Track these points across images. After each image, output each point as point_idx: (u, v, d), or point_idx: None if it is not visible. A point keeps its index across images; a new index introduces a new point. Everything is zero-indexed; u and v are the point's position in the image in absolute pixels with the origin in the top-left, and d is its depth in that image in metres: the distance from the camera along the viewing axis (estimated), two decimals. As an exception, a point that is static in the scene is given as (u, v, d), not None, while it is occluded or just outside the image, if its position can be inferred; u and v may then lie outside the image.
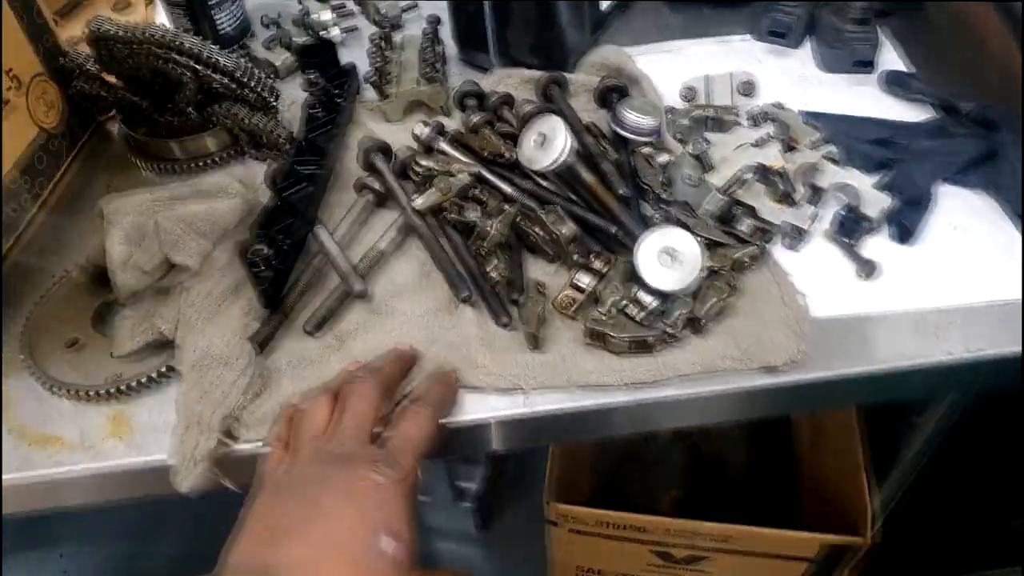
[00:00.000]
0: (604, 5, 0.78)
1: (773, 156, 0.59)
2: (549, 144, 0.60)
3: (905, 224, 0.58)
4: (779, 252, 0.58)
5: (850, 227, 0.59)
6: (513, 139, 0.64)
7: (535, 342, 0.52)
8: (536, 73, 0.72)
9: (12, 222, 0.63)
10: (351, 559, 0.38)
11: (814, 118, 0.66)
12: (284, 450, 0.46)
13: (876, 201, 0.58)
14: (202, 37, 0.77)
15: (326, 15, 0.82)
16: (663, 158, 0.63)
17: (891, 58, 0.75)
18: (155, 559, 1.27)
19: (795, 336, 0.51)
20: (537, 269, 0.58)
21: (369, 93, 0.75)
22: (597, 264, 0.56)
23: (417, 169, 0.62)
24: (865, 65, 0.72)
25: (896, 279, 0.56)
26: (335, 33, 0.82)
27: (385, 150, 0.64)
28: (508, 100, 0.69)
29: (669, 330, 0.51)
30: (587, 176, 0.61)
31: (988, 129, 0.64)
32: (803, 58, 0.77)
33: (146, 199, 0.55)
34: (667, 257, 0.53)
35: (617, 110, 0.64)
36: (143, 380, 0.51)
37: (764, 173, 0.60)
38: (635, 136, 0.64)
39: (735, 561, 0.88)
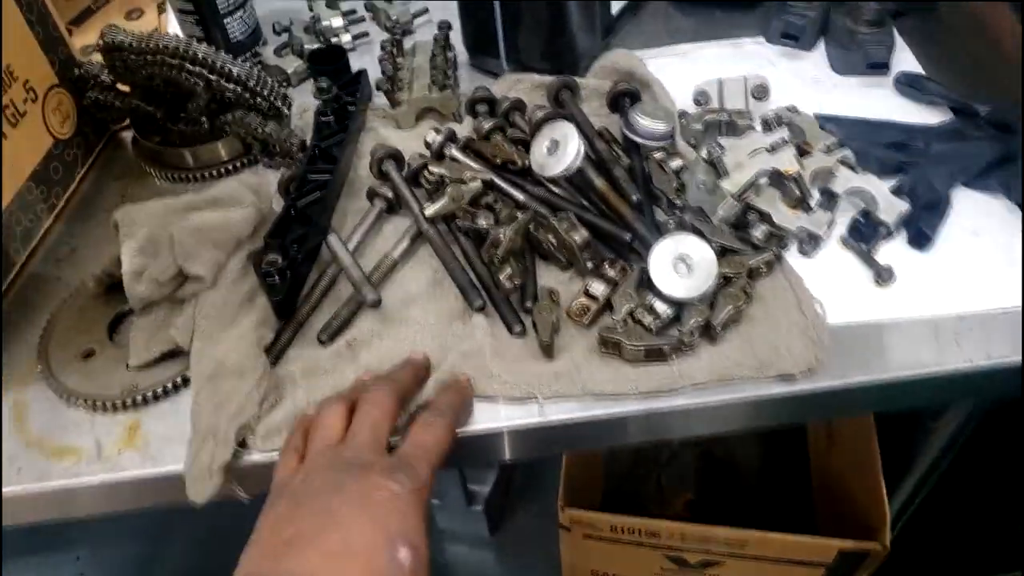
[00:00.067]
0: (615, 9, 0.78)
1: (788, 161, 0.59)
2: (561, 150, 0.60)
3: (923, 229, 0.57)
4: (793, 258, 0.57)
5: (866, 233, 0.58)
6: (525, 145, 0.64)
7: (549, 351, 0.52)
8: (547, 78, 0.72)
9: (28, 233, 0.63)
10: (367, 569, 0.38)
11: (828, 122, 0.66)
12: (298, 460, 0.46)
13: (893, 206, 0.58)
14: (214, 45, 0.77)
15: (337, 21, 0.82)
16: (676, 163, 0.62)
17: (905, 59, 0.74)
18: (171, 561, 1.27)
19: (812, 344, 0.51)
20: (550, 276, 0.58)
21: (380, 99, 0.75)
22: (610, 272, 0.55)
23: (429, 176, 0.62)
24: (880, 67, 0.71)
25: (913, 285, 0.55)
26: (346, 39, 0.82)
27: (397, 157, 0.64)
28: (519, 105, 0.69)
29: (684, 338, 0.51)
30: (599, 182, 0.61)
31: (1005, 132, 0.63)
32: (816, 60, 0.76)
33: (160, 210, 0.55)
34: (681, 264, 0.53)
35: (629, 115, 0.64)
36: (159, 391, 0.52)
37: (779, 178, 0.59)
38: (648, 141, 0.63)
39: (749, 566, 0.87)
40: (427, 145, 0.65)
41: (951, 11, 0.79)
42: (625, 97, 0.69)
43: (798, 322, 0.52)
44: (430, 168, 0.62)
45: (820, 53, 0.77)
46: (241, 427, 0.48)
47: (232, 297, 0.53)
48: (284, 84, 0.79)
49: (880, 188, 0.59)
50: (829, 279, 0.56)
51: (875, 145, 0.63)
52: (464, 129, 0.70)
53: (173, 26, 0.83)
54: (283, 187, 0.64)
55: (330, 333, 0.54)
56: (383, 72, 0.73)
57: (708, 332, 0.52)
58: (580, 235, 0.55)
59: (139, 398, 0.51)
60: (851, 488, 0.90)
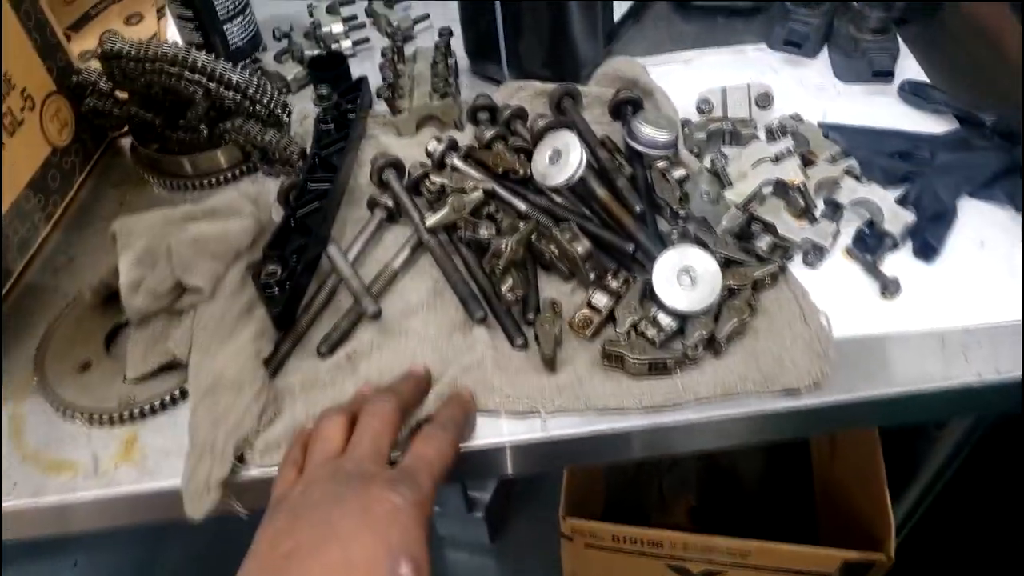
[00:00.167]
0: (617, 16, 0.77)
1: (792, 171, 0.58)
2: (563, 160, 0.59)
3: (929, 241, 0.57)
4: (798, 269, 0.57)
5: (871, 244, 0.58)
6: (527, 154, 0.64)
7: (552, 364, 0.51)
8: (549, 86, 0.71)
9: (25, 242, 0.63)
10: None
11: (832, 130, 0.65)
12: (297, 473, 0.45)
13: (898, 217, 0.57)
14: (213, 51, 0.77)
15: (337, 27, 0.82)
16: (679, 173, 0.62)
17: (909, 67, 0.74)
18: (169, 568, 1.27)
19: (818, 358, 0.50)
20: (552, 287, 0.58)
21: (381, 106, 0.74)
22: (613, 283, 0.55)
23: (430, 186, 0.61)
24: (885, 75, 0.70)
25: (919, 297, 0.55)
26: (346, 45, 0.82)
27: (398, 166, 0.64)
28: (521, 113, 0.68)
29: (688, 352, 0.50)
30: (601, 192, 0.60)
31: (1010, 141, 0.62)
32: (820, 68, 0.75)
33: (158, 220, 0.55)
34: (685, 276, 0.52)
35: (632, 124, 0.63)
36: (156, 404, 0.51)
37: (783, 188, 0.59)
38: (651, 151, 0.63)
39: (752, 576, 0.87)
40: (428, 154, 0.64)
41: (954, 17, 0.79)
42: (627, 105, 0.68)
43: (803, 335, 0.52)
44: (431, 177, 0.61)
45: (824, 60, 0.76)
46: (239, 442, 0.48)
47: (230, 309, 0.53)
48: (284, 91, 0.78)
49: (886, 199, 0.58)
50: (834, 291, 0.55)
51: (880, 154, 0.63)
52: (465, 137, 0.70)
53: (172, 31, 0.83)
54: (283, 196, 0.64)
55: (330, 345, 0.54)
56: (384, 79, 0.73)
57: (712, 345, 0.51)
58: (582, 246, 0.55)
59: (136, 411, 0.51)
60: (854, 497, 0.89)
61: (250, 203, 0.57)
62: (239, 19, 0.78)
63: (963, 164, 0.61)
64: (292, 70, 0.78)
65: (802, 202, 0.58)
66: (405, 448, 0.46)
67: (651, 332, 0.52)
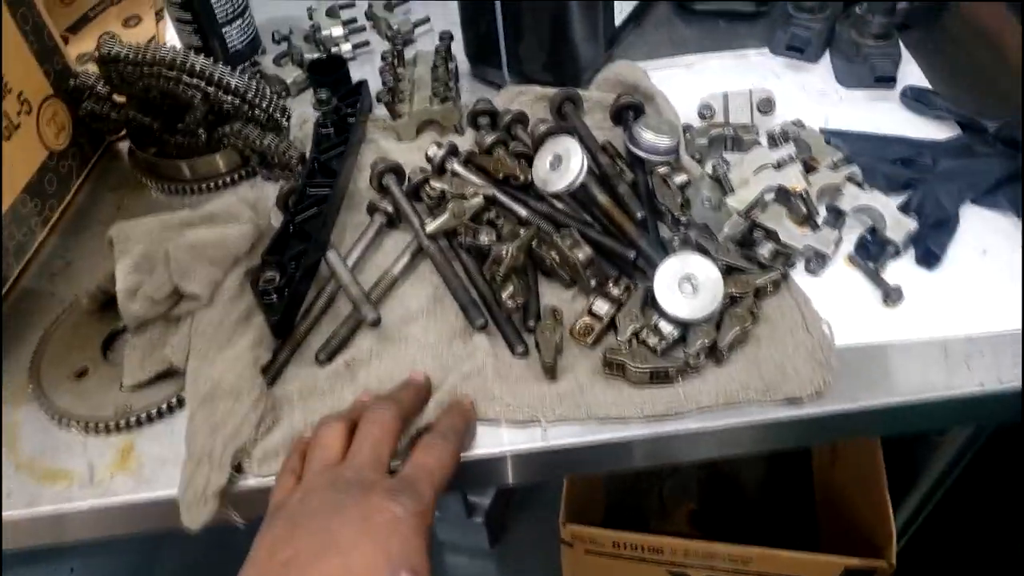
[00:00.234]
0: (618, 19, 0.77)
1: (794, 178, 0.58)
2: (564, 166, 0.59)
3: (931, 248, 0.56)
4: (800, 276, 0.57)
5: (873, 251, 0.57)
6: (527, 159, 0.63)
7: (552, 372, 0.51)
8: (550, 90, 0.71)
9: (21, 247, 0.62)
10: None
11: (834, 136, 0.65)
12: (296, 481, 0.45)
13: (901, 224, 0.57)
14: (212, 54, 0.77)
15: (337, 31, 0.81)
16: (680, 178, 0.61)
17: (911, 72, 0.73)
18: (165, 573, 1.26)
19: (820, 366, 0.50)
20: (552, 294, 0.57)
21: (381, 110, 0.74)
22: (615, 291, 0.54)
23: (430, 192, 0.61)
24: (887, 81, 0.70)
25: (921, 305, 0.54)
26: (346, 49, 0.81)
27: (397, 171, 0.63)
28: (521, 118, 0.68)
29: (689, 361, 0.50)
30: (602, 198, 0.60)
31: (1013, 148, 0.62)
32: (822, 73, 0.75)
33: (156, 226, 0.54)
34: (687, 284, 0.52)
35: (633, 130, 0.63)
36: (153, 412, 0.51)
37: (785, 195, 0.58)
38: (652, 156, 0.62)
39: (753, 583, 0.87)
40: (428, 159, 0.64)
41: (956, 22, 0.79)
42: (629, 110, 0.68)
43: (805, 343, 0.51)
44: (431, 183, 0.61)
45: (826, 65, 0.76)
46: (237, 451, 0.47)
47: (229, 316, 0.52)
48: (283, 95, 0.78)
49: (888, 206, 0.58)
50: (836, 298, 0.55)
51: (882, 161, 0.63)
52: (466, 141, 0.70)
53: (171, 33, 0.82)
54: (282, 201, 0.63)
55: (328, 352, 0.53)
56: (384, 83, 0.72)
57: (714, 353, 0.51)
58: (584, 252, 0.54)
59: (133, 419, 0.50)
60: (855, 503, 0.89)
61: (248, 208, 0.57)
62: (238, 22, 0.78)
63: (965, 171, 0.61)
64: (291, 73, 0.78)
65: (804, 209, 0.58)
66: (405, 457, 0.45)
67: (653, 340, 0.51)
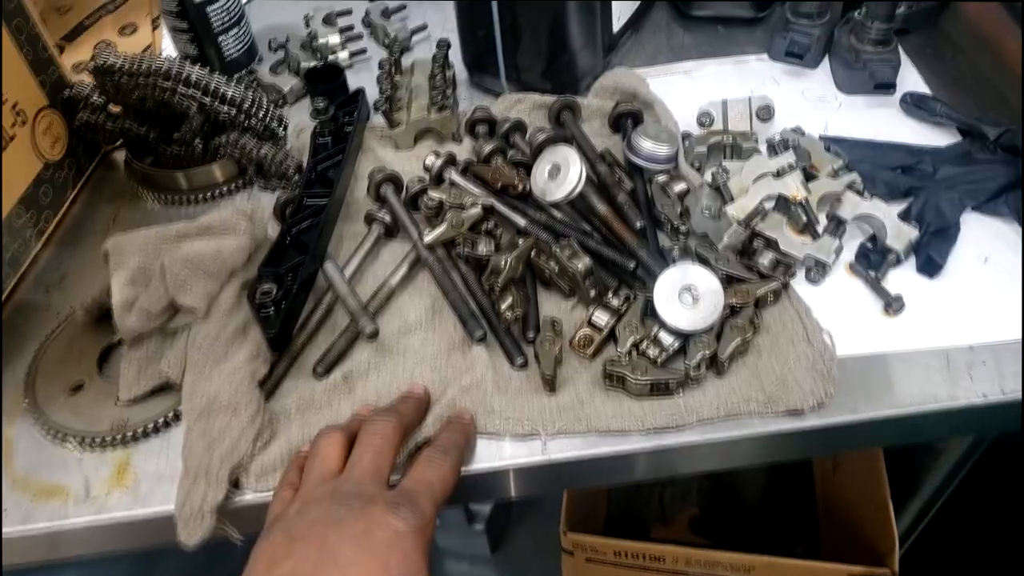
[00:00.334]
0: (617, 26, 0.76)
1: (794, 186, 0.58)
2: (562, 175, 0.59)
3: (932, 256, 0.56)
4: (800, 285, 0.56)
5: (874, 260, 0.57)
6: (525, 167, 0.63)
7: (552, 385, 0.50)
8: (548, 98, 0.71)
9: (16, 259, 0.62)
10: None
11: (835, 143, 0.65)
12: (295, 493, 0.44)
13: (902, 233, 0.56)
14: (208, 63, 0.77)
15: (334, 39, 0.81)
16: (680, 187, 0.61)
17: (910, 77, 0.73)
18: (164, 581, 1.26)
19: (821, 378, 0.49)
20: (551, 305, 0.57)
21: (378, 119, 0.73)
22: (614, 301, 0.54)
23: (428, 202, 0.60)
24: (887, 87, 0.70)
25: (922, 314, 0.54)
26: (343, 57, 0.81)
27: (395, 180, 0.63)
28: (520, 126, 0.68)
29: (690, 372, 0.49)
30: (601, 207, 0.59)
31: (1014, 154, 0.62)
32: (821, 79, 0.75)
33: (152, 238, 0.54)
34: (687, 295, 0.52)
35: (632, 138, 0.62)
36: (149, 427, 0.50)
37: (785, 204, 0.58)
38: (651, 165, 0.62)
39: (754, 591, 0.86)
40: (426, 169, 0.64)
41: (955, 27, 0.78)
42: (627, 118, 0.68)
43: (806, 354, 0.51)
44: (429, 193, 0.60)
45: (825, 71, 0.75)
46: (234, 466, 0.47)
47: (225, 329, 0.52)
48: (280, 103, 0.77)
49: (889, 214, 0.57)
50: (837, 308, 0.54)
51: (882, 168, 0.62)
52: (464, 150, 0.69)
53: (167, 42, 0.82)
54: (278, 211, 0.63)
55: (326, 365, 0.53)
56: (381, 91, 0.72)
57: (715, 365, 0.51)
58: (583, 263, 0.54)
59: (129, 434, 0.50)
60: (857, 510, 0.89)
61: (245, 220, 0.56)
62: (234, 31, 0.77)
63: (966, 178, 0.61)
64: (288, 82, 0.78)
65: (804, 217, 0.57)
66: (404, 471, 0.45)
67: (653, 351, 0.51)
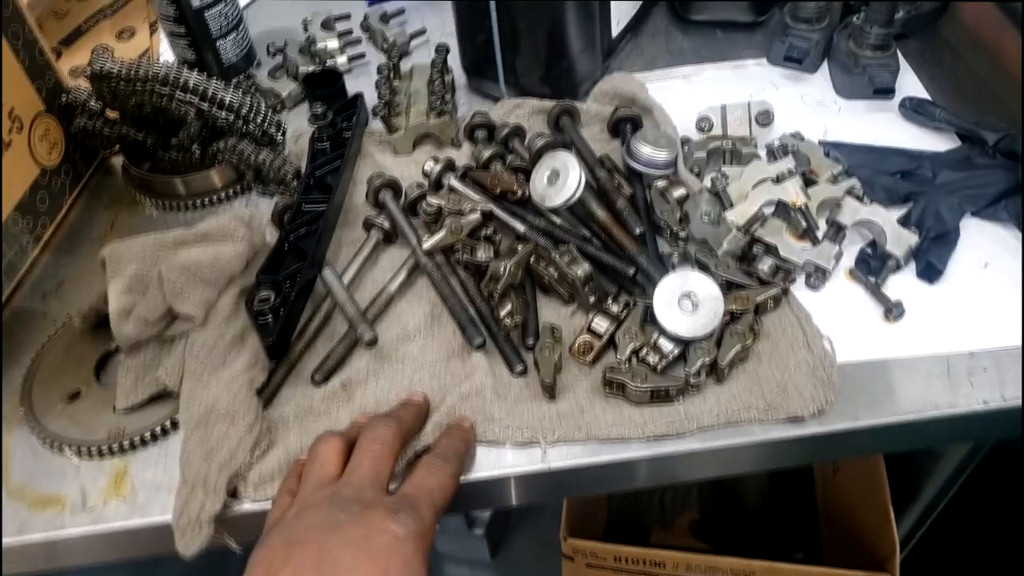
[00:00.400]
0: (616, 30, 0.76)
1: (794, 192, 0.57)
2: (562, 181, 0.59)
3: (932, 262, 0.56)
4: (800, 291, 0.56)
5: (874, 266, 0.57)
6: (525, 173, 0.63)
7: (551, 392, 0.50)
8: (547, 103, 0.70)
9: (13, 266, 0.61)
10: None
11: (834, 148, 0.64)
12: (293, 499, 0.44)
13: (902, 238, 0.56)
14: (206, 67, 0.76)
15: (332, 43, 0.81)
16: (679, 192, 0.61)
17: (910, 82, 0.73)
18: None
19: (822, 384, 0.49)
20: (551, 311, 0.57)
21: (377, 123, 0.73)
22: (614, 307, 0.54)
23: (427, 208, 0.60)
24: (886, 92, 0.69)
25: (923, 320, 0.54)
26: (342, 61, 0.81)
27: (394, 186, 0.63)
28: (519, 132, 0.67)
29: (690, 379, 0.49)
30: (601, 213, 0.59)
31: (1013, 159, 0.62)
32: (820, 83, 0.75)
33: (149, 245, 0.53)
34: (686, 301, 0.52)
35: (631, 144, 0.62)
36: (147, 435, 0.50)
37: (784, 209, 0.58)
38: (650, 170, 0.62)
39: (755, 596, 0.86)
40: (425, 174, 0.63)
41: (954, 32, 0.78)
42: (626, 123, 0.67)
43: (807, 360, 0.51)
44: (428, 199, 0.60)
45: (824, 76, 0.75)
46: (232, 476, 0.47)
47: (223, 337, 0.52)
48: (278, 108, 0.77)
49: (889, 220, 0.57)
50: (837, 314, 0.54)
51: (882, 173, 0.62)
52: (462, 155, 0.69)
53: (165, 46, 0.82)
54: (277, 217, 0.63)
55: (324, 373, 0.53)
56: (379, 97, 0.72)
57: (715, 372, 0.50)
58: (582, 269, 0.54)
59: (126, 443, 0.50)
60: (858, 514, 0.88)
61: (243, 226, 0.56)
62: (232, 35, 0.77)
63: (966, 183, 0.61)
64: (287, 86, 0.77)
65: (804, 223, 0.57)
66: (403, 479, 0.44)
67: (652, 358, 0.51)
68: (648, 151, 0.61)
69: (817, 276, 0.56)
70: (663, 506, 1.14)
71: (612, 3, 0.73)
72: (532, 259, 0.56)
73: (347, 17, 0.86)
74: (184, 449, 0.47)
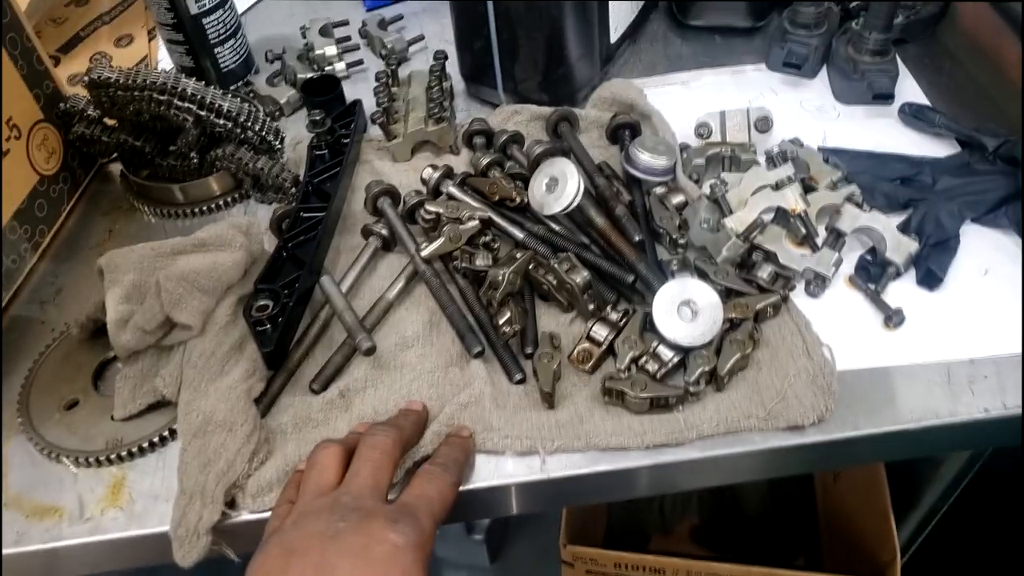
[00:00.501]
0: (614, 37, 0.76)
1: (793, 199, 0.57)
2: (560, 188, 0.58)
3: (932, 269, 0.56)
4: (799, 299, 0.56)
5: (874, 273, 0.57)
6: (523, 180, 0.63)
7: (550, 401, 0.50)
8: (546, 110, 0.70)
9: (10, 273, 0.61)
10: None
11: (833, 154, 0.64)
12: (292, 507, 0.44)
13: (902, 245, 0.56)
14: (204, 74, 0.76)
15: (331, 50, 0.81)
16: (678, 199, 0.61)
17: (909, 87, 0.73)
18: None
19: (822, 393, 0.49)
20: (550, 318, 0.56)
21: (376, 130, 0.73)
22: (613, 315, 0.54)
23: (425, 215, 0.60)
24: (885, 98, 0.69)
25: (923, 328, 0.54)
26: (340, 68, 0.81)
27: (392, 194, 0.63)
28: (517, 138, 0.67)
29: (690, 388, 0.49)
30: (600, 220, 0.59)
31: (1013, 165, 0.61)
32: (819, 89, 0.75)
33: (147, 254, 0.53)
34: (686, 309, 0.51)
35: (629, 150, 0.62)
36: (145, 444, 0.50)
37: (784, 216, 0.58)
38: (649, 177, 0.62)
39: (755, 602, 0.85)
40: (423, 182, 0.63)
41: (953, 37, 0.78)
42: (625, 129, 0.67)
43: (806, 368, 0.51)
44: (427, 206, 0.60)
45: (823, 81, 0.75)
46: (230, 486, 0.46)
47: (221, 345, 0.52)
48: (276, 114, 0.77)
49: (889, 226, 0.57)
50: (836, 321, 0.54)
51: (881, 180, 0.62)
52: (461, 161, 0.69)
53: (164, 53, 0.82)
54: (275, 225, 0.62)
55: (322, 382, 0.53)
56: (378, 103, 0.72)
57: (714, 380, 0.50)
58: (581, 277, 0.54)
59: (124, 452, 0.49)
60: (858, 520, 0.88)
61: (241, 234, 0.56)
62: (231, 42, 0.77)
63: (966, 189, 0.60)
64: (285, 93, 0.77)
65: (803, 230, 0.57)
66: (401, 488, 0.44)
67: (652, 366, 0.51)
68: (647, 158, 0.61)
69: (817, 283, 0.56)
70: (663, 512, 1.14)
71: (610, 9, 0.73)
72: (531, 266, 0.56)
73: (345, 24, 0.86)
74: (182, 459, 0.47)
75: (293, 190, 0.65)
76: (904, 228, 0.59)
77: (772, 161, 0.62)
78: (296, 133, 0.73)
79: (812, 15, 0.73)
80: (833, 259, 0.56)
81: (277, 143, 0.67)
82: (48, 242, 0.66)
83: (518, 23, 0.68)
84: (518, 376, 0.52)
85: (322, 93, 0.74)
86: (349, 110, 0.72)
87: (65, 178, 0.68)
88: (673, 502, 1.15)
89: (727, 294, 0.54)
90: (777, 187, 0.58)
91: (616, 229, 0.59)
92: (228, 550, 0.47)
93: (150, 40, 0.88)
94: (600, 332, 0.53)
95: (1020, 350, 0.51)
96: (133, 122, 0.66)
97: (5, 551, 0.46)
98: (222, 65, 0.78)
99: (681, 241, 0.58)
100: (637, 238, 0.58)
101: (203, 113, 0.63)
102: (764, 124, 0.66)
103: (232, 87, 0.79)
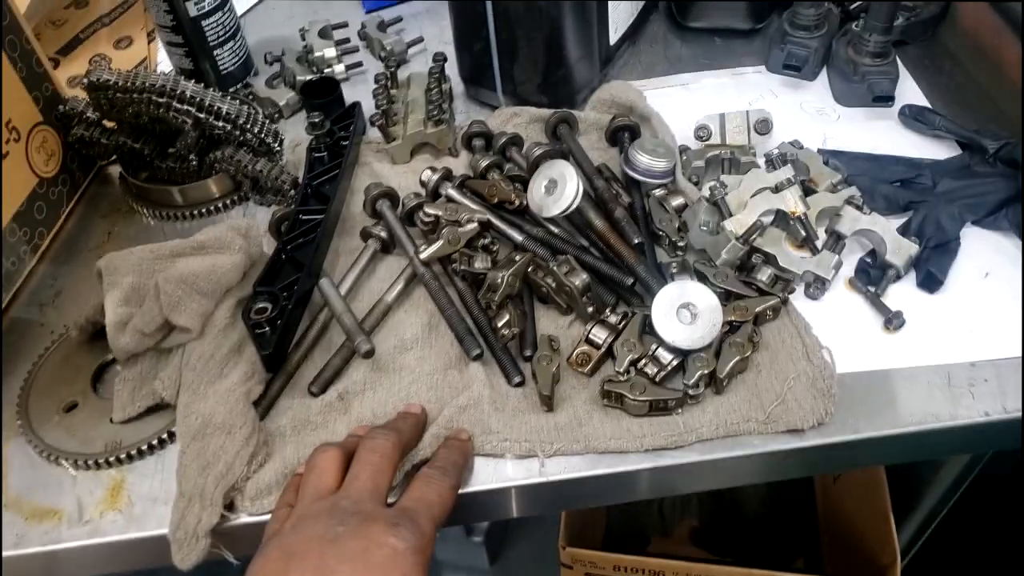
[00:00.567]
0: (613, 38, 0.76)
1: (793, 201, 0.57)
2: (559, 190, 0.58)
3: (933, 271, 0.56)
4: (799, 301, 0.56)
5: (874, 275, 0.57)
6: (522, 182, 0.63)
7: (549, 404, 0.50)
8: (545, 112, 0.70)
9: (10, 276, 0.61)
10: None
11: (833, 156, 0.64)
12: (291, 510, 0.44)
13: (902, 248, 0.56)
14: (203, 76, 0.76)
15: (330, 52, 0.81)
16: (677, 201, 0.61)
17: (909, 88, 0.73)
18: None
19: (822, 396, 0.49)
20: (549, 321, 0.56)
21: (375, 132, 0.73)
22: (612, 318, 0.54)
23: (424, 218, 0.60)
24: (886, 100, 0.69)
25: (923, 331, 0.54)
26: (339, 70, 0.81)
27: (391, 196, 0.63)
28: (516, 140, 0.67)
29: (689, 391, 0.49)
30: (599, 222, 0.59)
31: (1014, 167, 0.61)
32: (819, 91, 0.75)
33: (146, 256, 0.53)
34: (685, 312, 0.51)
35: (629, 153, 0.62)
36: (144, 447, 0.50)
37: (783, 218, 0.58)
38: (648, 179, 0.62)
39: (755, 605, 0.85)
40: (422, 184, 0.63)
41: (953, 39, 0.78)
42: (624, 132, 0.67)
43: (806, 371, 0.50)
44: (426, 209, 0.60)
45: (823, 83, 0.75)
46: (229, 489, 0.46)
47: (220, 348, 0.52)
48: (275, 117, 0.77)
49: (888, 229, 0.57)
50: (836, 324, 0.54)
51: (881, 182, 0.62)
52: (460, 163, 0.69)
53: (163, 55, 0.81)
54: (274, 227, 0.62)
55: (321, 384, 0.53)
56: (377, 105, 0.72)
57: (713, 383, 0.50)
58: (580, 279, 0.53)
59: (123, 455, 0.49)
60: (858, 523, 0.88)
61: (239, 237, 0.56)
62: (230, 44, 0.77)
63: (966, 192, 0.60)
64: (284, 95, 0.77)
65: (803, 232, 0.57)
66: (402, 491, 0.44)
67: (651, 369, 0.50)
68: (646, 160, 0.61)
69: (816, 286, 0.56)
70: (662, 514, 1.14)
71: (610, 10, 0.73)
72: (530, 269, 0.55)
73: (344, 26, 0.86)
74: (181, 461, 0.47)
75: (292, 192, 0.65)
76: (904, 230, 0.59)
77: (772, 163, 0.62)
78: (295, 135, 0.73)
79: (812, 17, 0.73)
80: (833, 262, 0.56)
81: (276, 145, 0.67)
82: (47, 244, 0.66)
83: (517, 24, 0.68)
84: (517, 379, 0.52)
85: (321, 95, 0.74)
86: (348, 112, 0.72)
87: (64, 180, 0.68)
88: (672, 504, 1.15)
89: (726, 297, 0.54)
90: (777, 189, 0.58)
91: (615, 231, 0.59)
92: (227, 553, 0.46)
93: (149, 42, 0.88)
94: (599, 335, 0.53)
95: (1020, 353, 0.51)
96: (132, 124, 0.66)
97: (4, 553, 0.46)
98: (221, 67, 0.78)
99: (680, 243, 0.58)
100: (636, 240, 0.58)
101: (202, 115, 0.63)
102: (764, 126, 0.66)
103: (231, 89, 0.79)
